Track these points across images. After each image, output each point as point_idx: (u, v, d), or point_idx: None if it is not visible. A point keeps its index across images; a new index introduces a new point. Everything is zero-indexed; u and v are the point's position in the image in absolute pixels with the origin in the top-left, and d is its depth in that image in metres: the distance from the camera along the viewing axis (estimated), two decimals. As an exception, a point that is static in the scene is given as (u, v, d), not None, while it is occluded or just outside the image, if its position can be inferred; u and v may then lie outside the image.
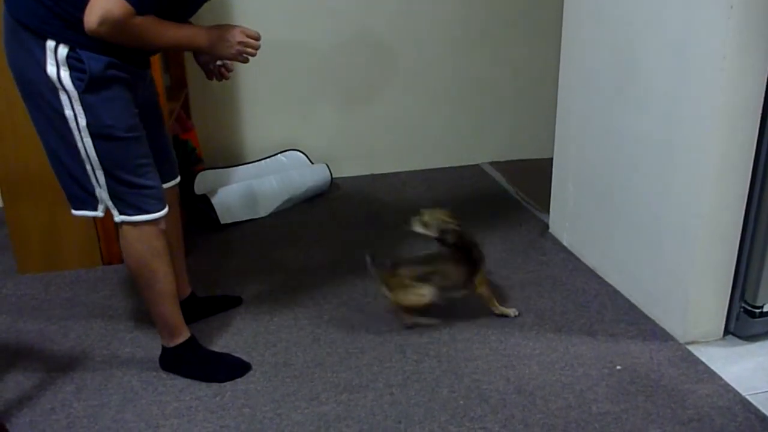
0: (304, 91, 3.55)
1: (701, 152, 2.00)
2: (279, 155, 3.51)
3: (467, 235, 2.26)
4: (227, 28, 1.82)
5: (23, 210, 2.59)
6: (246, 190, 3.18)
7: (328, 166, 3.45)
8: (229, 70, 2.03)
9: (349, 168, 3.66)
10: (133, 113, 1.80)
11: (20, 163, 2.53)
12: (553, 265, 2.69)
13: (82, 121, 1.70)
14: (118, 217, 1.83)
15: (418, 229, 2.20)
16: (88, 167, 1.76)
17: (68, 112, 1.69)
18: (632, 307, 2.36)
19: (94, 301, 2.47)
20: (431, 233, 2.19)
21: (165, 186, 2.00)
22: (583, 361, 2.08)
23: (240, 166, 3.42)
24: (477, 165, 3.82)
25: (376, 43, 3.56)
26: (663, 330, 2.23)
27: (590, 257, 2.66)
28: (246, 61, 1.86)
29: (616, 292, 2.46)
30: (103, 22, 1.57)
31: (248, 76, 3.45)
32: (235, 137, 3.56)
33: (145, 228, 1.85)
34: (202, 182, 3.18)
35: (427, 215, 2.20)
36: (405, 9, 3.51)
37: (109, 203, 1.81)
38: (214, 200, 3.03)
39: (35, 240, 2.64)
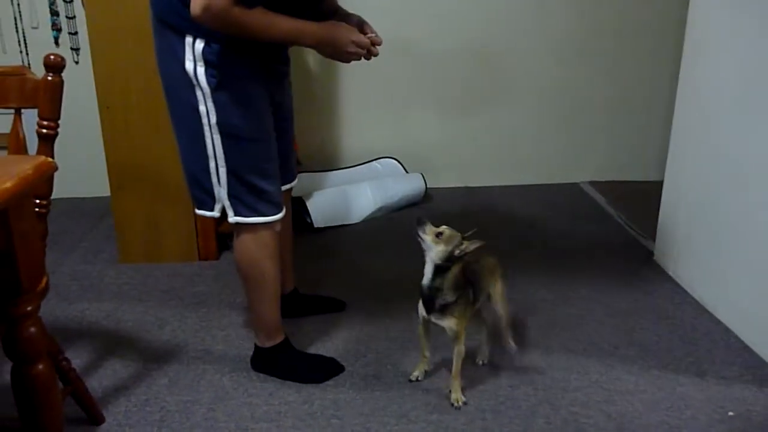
0: (403, 97, 3.53)
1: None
2: (374, 162, 3.49)
3: (471, 271, 1.91)
4: (340, 30, 1.71)
5: (128, 202, 2.67)
6: (340, 195, 3.18)
7: (422, 176, 3.40)
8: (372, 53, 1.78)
9: (444, 179, 3.60)
10: (264, 115, 1.79)
11: (129, 156, 2.61)
12: (658, 296, 2.54)
13: (213, 118, 1.72)
14: (232, 218, 1.83)
15: (426, 237, 1.79)
16: (212, 164, 1.77)
17: (201, 108, 1.71)
18: (746, 349, 2.19)
19: (189, 295, 2.51)
20: (436, 247, 1.79)
21: (285, 188, 2.01)
22: (691, 403, 1.94)
23: (335, 171, 3.42)
24: (576, 183, 3.68)
25: (479, 54, 3.49)
26: (781, 377, 2.06)
27: (700, 291, 2.49)
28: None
29: (728, 330, 2.29)
30: (205, 9, 1.54)
31: (348, 81, 3.45)
32: (332, 141, 3.58)
33: (260, 229, 1.85)
34: (297, 185, 3.17)
35: (448, 231, 1.81)
36: (512, 19, 3.43)
37: (226, 202, 1.82)
38: (309, 203, 3.04)
39: (137, 231, 2.72)
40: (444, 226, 1.81)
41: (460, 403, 1.91)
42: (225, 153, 1.75)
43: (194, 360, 2.12)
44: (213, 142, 1.75)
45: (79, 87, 2.69)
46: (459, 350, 1.89)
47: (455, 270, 1.81)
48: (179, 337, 2.25)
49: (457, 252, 1.79)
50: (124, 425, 1.82)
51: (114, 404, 1.91)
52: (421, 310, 1.90)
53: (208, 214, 1.86)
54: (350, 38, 1.72)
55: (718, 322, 2.34)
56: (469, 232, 1.84)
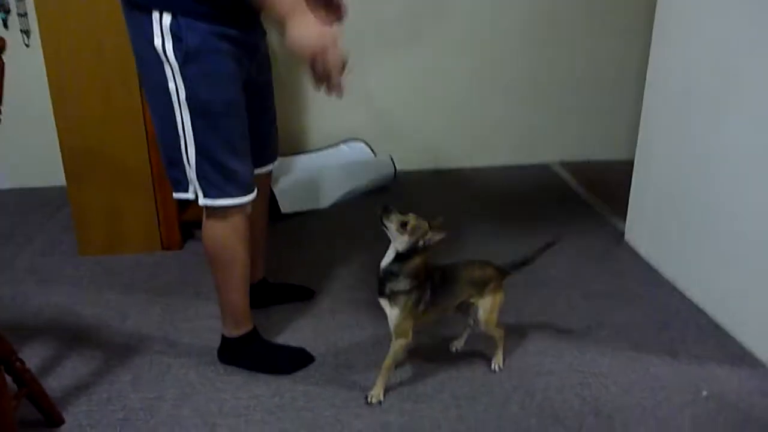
0: (370, 79, 3.45)
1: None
2: (342, 145, 3.42)
3: (436, 271, 1.82)
4: (315, 23, 1.55)
5: (86, 191, 2.57)
6: (308, 179, 3.11)
7: (392, 159, 3.34)
8: (336, 88, 1.65)
9: (414, 161, 3.55)
10: (235, 90, 1.72)
11: (84, 143, 2.50)
12: (629, 276, 2.53)
13: (182, 95, 1.66)
14: (201, 200, 1.78)
15: (391, 225, 1.71)
16: (182, 143, 1.71)
17: (171, 85, 1.65)
18: (717, 328, 2.19)
19: (152, 288, 2.42)
20: (400, 237, 1.71)
21: (263, 170, 1.96)
22: (664, 383, 1.93)
23: (301, 155, 3.34)
24: (546, 164, 3.66)
25: (448, 34, 3.43)
26: (752, 355, 2.06)
27: (671, 271, 2.49)
28: (321, 78, 1.59)
29: (699, 310, 2.29)
30: None
31: (314, 63, 3.37)
32: (297, 124, 3.49)
33: (230, 212, 1.79)
34: (263, 170, 3.11)
35: (414, 221, 1.71)
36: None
37: (196, 184, 1.76)
38: (276, 189, 2.96)
39: (97, 221, 2.62)
40: (411, 215, 1.73)
41: (375, 400, 1.83)
42: (193, 130, 1.69)
43: (158, 354, 2.05)
44: (182, 120, 1.69)
45: (31, 71, 2.57)
46: (393, 346, 1.82)
47: (417, 260, 1.74)
48: (142, 330, 2.17)
49: (421, 243, 1.72)
50: (85, 426, 1.75)
51: (74, 404, 1.83)
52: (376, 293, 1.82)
53: (183, 196, 1.81)
54: (324, 32, 1.56)
55: (690, 303, 2.34)
56: (436, 220, 1.75)
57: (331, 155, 3.37)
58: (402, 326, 1.79)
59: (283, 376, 1.95)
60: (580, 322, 2.24)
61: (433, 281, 1.80)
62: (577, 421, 1.78)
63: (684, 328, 2.20)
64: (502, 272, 1.93)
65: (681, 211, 2.42)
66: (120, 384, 1.91)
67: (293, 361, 2.00)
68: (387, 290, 1.77)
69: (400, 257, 1.74)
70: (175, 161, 1.76)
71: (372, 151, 3.42)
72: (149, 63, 1.66)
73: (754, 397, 1.88)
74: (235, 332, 1.97)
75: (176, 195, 1.84)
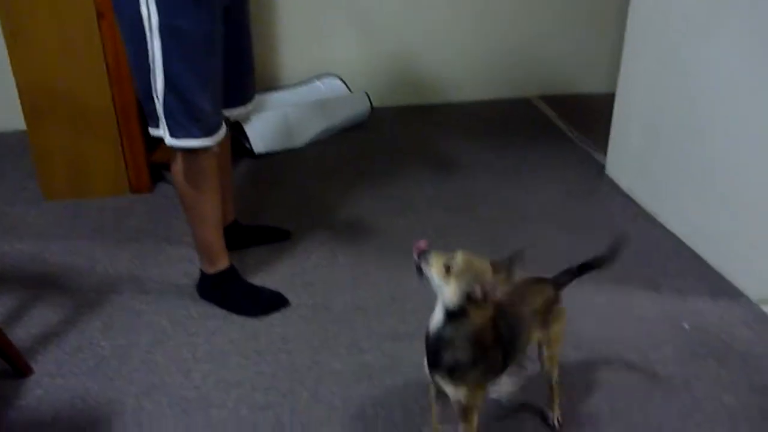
0: (345, 12, 3.31)
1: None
2: (316, 81, 3.30)
3: (509, 318, 1.31)
4: None
5: (47, 133, 2.45)
6: (281, 118, 3.00)
7: (368, 95, 3.24)
8: None
9: (390, 98, 3.44)
10: (211, 17, 1.64)
11: (42, 82, 2.37)
12: (610, 209, 2.50)
13: (155, 20, 1.57)
14: (168, 140, 1.72)
15: (433, 273, 1.20)
16: (152, 75, 1.64)
17: (143, 10, 1.57)
18: (699, 260, 2.17)
19: (121, 232, 2.34)
20: (446, 287, 1.19)
21: (237, 110, 1.89)
22: (646, 316, 1.92)
23: (274, 92, 3.22)
24: (526, 99, 3.57)
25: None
26: (734, 286, 2.04)
27: (652, 204, 2.45)
28: None
29: (681, 243, 2.26)
30: None
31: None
32: (269, 59, 3.35)
33: (197, 152, 1.74)
34: (234, 108, 2.99)
35: (462, 262, 1.18)
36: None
37: (163, 122, 1.69)
38: (248, 128, 2.86)
39: (61, 165, 2.51)
40: (459, 253, 1.20)
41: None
42: (163, 58, 1.61)
43: (129, 301, 1.98)
44: (153, 49, 1.60)
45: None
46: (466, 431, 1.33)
47: (478, 320, 1.22)
48: (112, 276, 2.10)
49: (478, 292, 1.18)
50: (56, 375, 1.69)
51: (43, 353, 1.77)
52: (425, 366, 1.32)
53: (156, 132, 1.76)
54: None
55: (672, 236, 2.31)
56: (511, 256, 1.21)
57: (305, 92, 3.25)
58: (470, 408, 1.29)
59: (258, 319, 1.90)
60: (561, 256, 2.18)
61: (502, 338, 1.29)
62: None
63: (666, 261, 2.18)
64: (559, 285, 1.48)
65: (662, 143, 2.37)
66: (90, 332, 1.85)
67: (268, 303, 1.96)
68: (444, 363, 1.26)
69: (452, 316, 1.22)
70: (146, 93, 1.69)
71: (347, 87, 3.31)
72: None
73: (735, 327, 1.87)
74: (211, 269, 1.94)
75: (151, 131, 1.78)
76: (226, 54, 1.73)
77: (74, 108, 2.42)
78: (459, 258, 1.19)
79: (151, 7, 1.56)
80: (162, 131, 1.72)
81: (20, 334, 1.82)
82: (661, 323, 1.89)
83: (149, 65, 1.63)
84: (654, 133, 2.42)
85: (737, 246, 2.04)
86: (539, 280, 1.47)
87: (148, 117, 1.76)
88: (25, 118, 2.42)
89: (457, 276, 1.18)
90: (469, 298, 1.18)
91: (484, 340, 1.25)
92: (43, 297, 2.00)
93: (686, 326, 1.88)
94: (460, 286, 1.18)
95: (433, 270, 1.20)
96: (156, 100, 1.67)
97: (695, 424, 1.55)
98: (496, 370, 1.32)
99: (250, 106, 1.98)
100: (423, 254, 1.22)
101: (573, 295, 1.99)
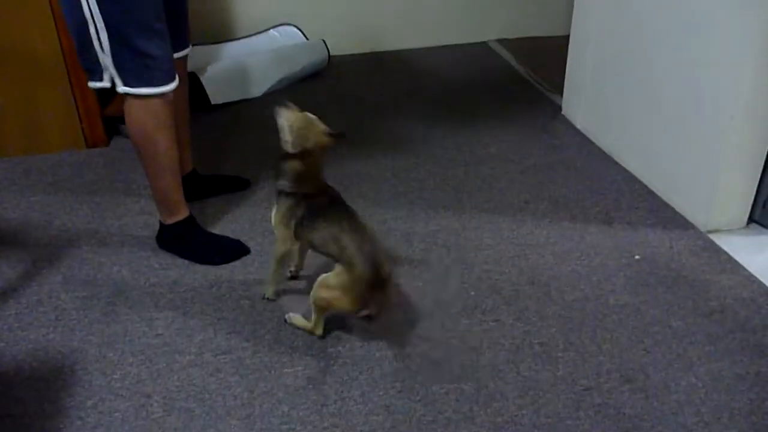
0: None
1: (742, 28, 1.80)
2: (272, 30, 3.25)
3: (329, 190, 1.66)
4: None
5: (-4, 87, 2.38)
6: (237, 68, 2.96)
7: (325, 43, 3.20)
8: None
9: (348, 45, 3.40)
10: None
11: (-13, 34, 2.30)
12: (566, 149, 2.53)
13: None
14: (121, 88, 1.69)
15: (283, 121, 1.59)
16: (92, 29, 1.61)
17: None
18: (651, 194, 2.23)
19: (78, 187, 2.31)
20: (287, 140, 1.58)
21: (176, 56, 1.85)
22: (599, 250, 1.97)
23: (230, 42, 3.17)
24: (484, 42, 3.57)
25: None
26: (683, 218, 2.11)
27: (606, 141, 2.50)
28: None
29: (633, 178, 2.32)
30: None
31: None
32: (224, 8, 3.28)
33: (151, 100, 1.72)
34: (189, 59, 2.93)
35: (299, 121, 1.58)
36: None
37: (113, 71, 1.67)
38: (204, 79, 2.81)
39: (12, 120, 2.45)
40: (305, 114, 1.59)
41: (267, 297, 1.78)
42: (102, 12, 1.58)
43: (89, 254, 1.98)
44: (88, 1, 1.57)
45: None
46: (273, 251, 1.71)
47: (296, 165, 1.59)
48: (70, 231, 2.08)
49: (308, 145, 1.56)
50: (15, 329, 1.69)
51: (3, 308, 1.76)
52: None
53: (98, 85, 1.73)
54: None
55: (625, 171, 2.36)
56: (340, 131, 1.61)
57: (262, 41, 3.20)
58: (277, 230, 1.68)
59: (220, 267, 1.91)
60: (518, 196, 2.24)
61: (316, 204, 1.62)
62: (514, 291, 1.81)
63: (619, 196, 2.23)
64: (379, 285, 1.56)
65: (614, 81, 2.40)
66: (50, 285, 1.85)
67: (229, 251, 1.96)
68: (276, 185, 1.65)
69: (287, 155, 1.59)
70: (86, 47, 1.66)
71: (304, 35, 3.26)
72: None
73: (684, 256, 1.94)
74: (169, 219, 1.94)
75: (91, 84, 1.75)
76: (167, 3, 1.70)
77: (23, 60, 2.35)
78: (299, 118, 1.56)
79: None
80: (107, 82, 1.70)
81: (-22, 291, 1.81)
82: (613, 255, 1.94)
83: (84, 16, 1.60)
84: (607, 73, 2.45)
85: (687, 178, 2.10)
86: (384, 262, 1.58)
87: (86, 70, 1.73)
88: (-29, 73, 2.36)
89: (290, 130, 1.55)
90: (299, 146, 1.55)
91: (297, 183, 1.60)
92: (0, 253, 1.98)
93: (637, 257, 1.94)
94: (294, 139, 1.55)
95: (283, 121, 1.56)
96: (100, 52, 1.65)
97: (644, 349, 1.62)
98: (295, 217, 1.61)
99: (187, 51, 1.96)
100: (282, 105, 1.58)
101: (528, 233, 2.05)
